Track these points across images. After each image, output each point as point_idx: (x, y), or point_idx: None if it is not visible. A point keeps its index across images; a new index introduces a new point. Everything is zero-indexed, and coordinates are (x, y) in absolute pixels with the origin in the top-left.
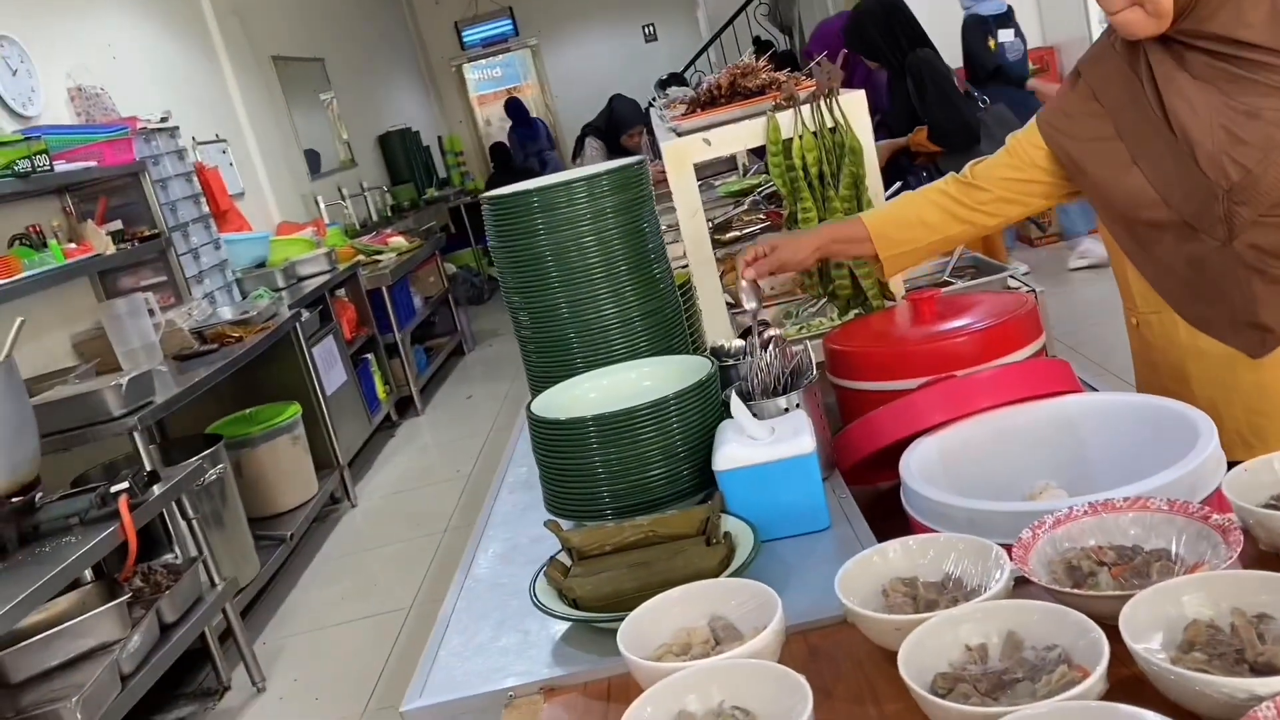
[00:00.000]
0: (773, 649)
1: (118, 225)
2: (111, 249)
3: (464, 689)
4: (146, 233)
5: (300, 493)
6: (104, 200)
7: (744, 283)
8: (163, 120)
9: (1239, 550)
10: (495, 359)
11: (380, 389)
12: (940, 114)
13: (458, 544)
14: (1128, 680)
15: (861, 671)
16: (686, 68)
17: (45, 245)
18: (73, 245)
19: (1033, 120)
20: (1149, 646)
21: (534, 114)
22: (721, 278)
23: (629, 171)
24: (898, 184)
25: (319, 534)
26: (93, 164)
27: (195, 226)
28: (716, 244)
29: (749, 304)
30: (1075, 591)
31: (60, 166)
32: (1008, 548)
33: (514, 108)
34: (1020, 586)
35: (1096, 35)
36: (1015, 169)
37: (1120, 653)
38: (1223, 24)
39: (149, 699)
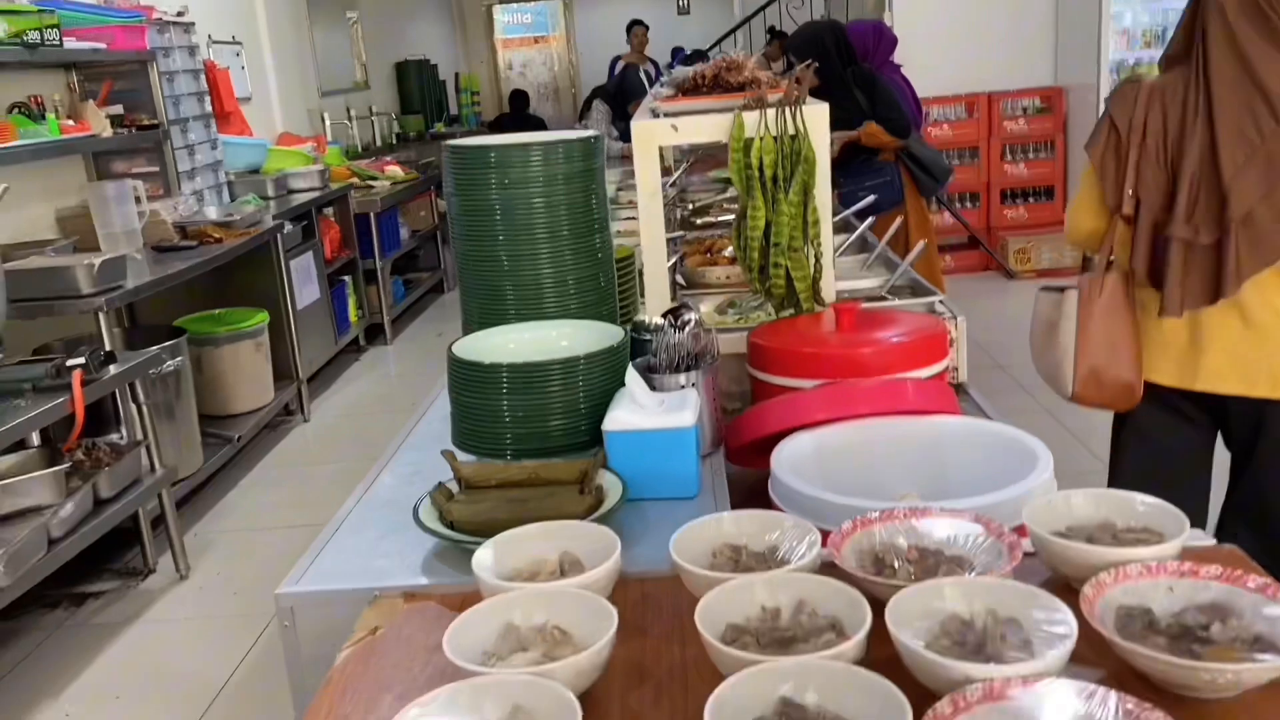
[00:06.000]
0: (603, 584)
1: (118, 110)
2: (108, 132)
3: (336, 582)
4: (146, 121)
5: (255, 399)
6: (109, 83)
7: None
8: (179, 14)
9: (1015, 564)
10: None
11: (353, 312)
12: (892, 111)
13: None
14: (888, 658)
15: (679, 618)
16: (712, 47)
17: (43, 118)
18: (71, 122)
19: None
20: (907, 631)
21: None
22: (683, 260)
23: (584, 144)
24: (871, 197)
25: (267, 441)
26: (102, 45)
27: (195, 124)
28: (690, 226)
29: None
30: (861, 575)
31: (69, 43)
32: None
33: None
34: (833, 568)
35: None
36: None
37: (887, 635)
38: None
39: (75, 569)
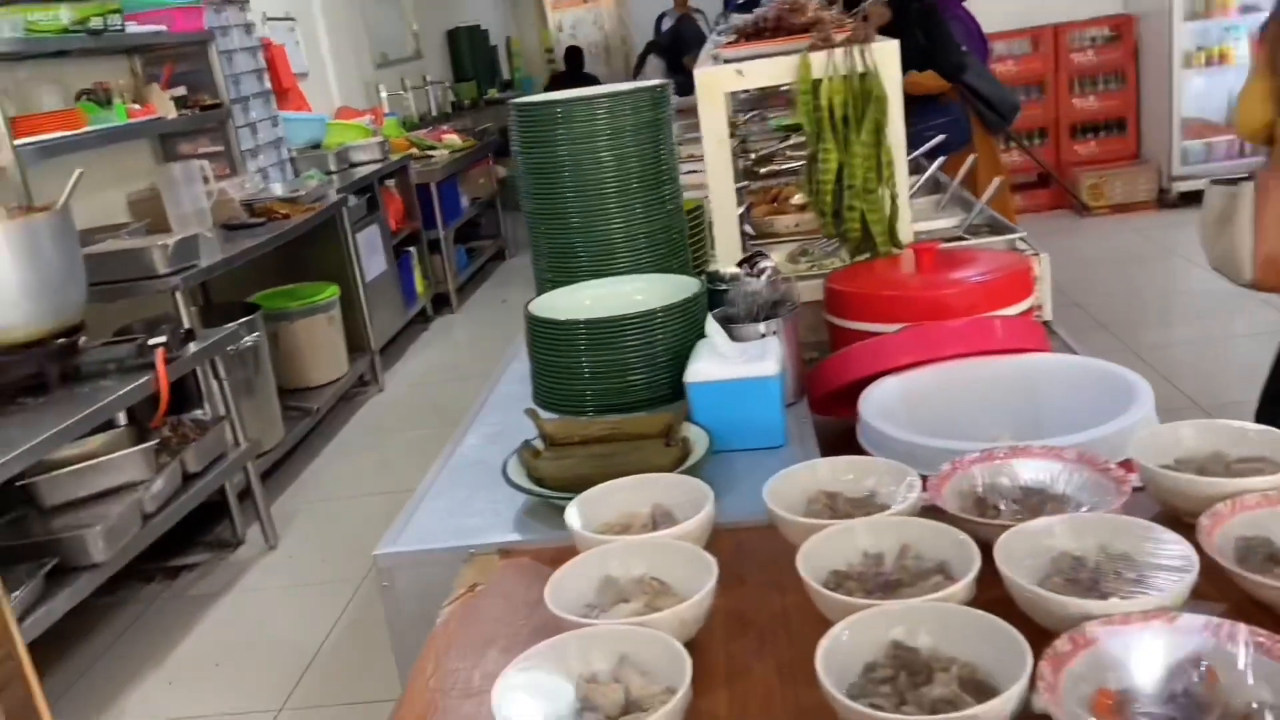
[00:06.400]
0: (698, 535)
1: (181, 91)
2: (173, 114)
3: (431, 542)
4: (208, 102)
5: (330, 371)
6: (170, 65)
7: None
8: None
9: (1124, 499)
10: None
11: (419, 282)
12: (947, 51)
13: None
14: (1003, 599)
15: (776, 567)
16: None
17: (110, 103)
18: (136, 106)
19: None
20: (1018, 570)
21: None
22: (750, 210)
23: (651, 94)
24: (940, 136)
25: (344, 413)
26: (163, 28)
27: (256, 101)
28: (754, 176)
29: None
30: (966, 517)
31: (131, 28)
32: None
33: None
34: (933, 512)
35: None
36: None
37: (996, 576)
38: None
39: (168, 542)
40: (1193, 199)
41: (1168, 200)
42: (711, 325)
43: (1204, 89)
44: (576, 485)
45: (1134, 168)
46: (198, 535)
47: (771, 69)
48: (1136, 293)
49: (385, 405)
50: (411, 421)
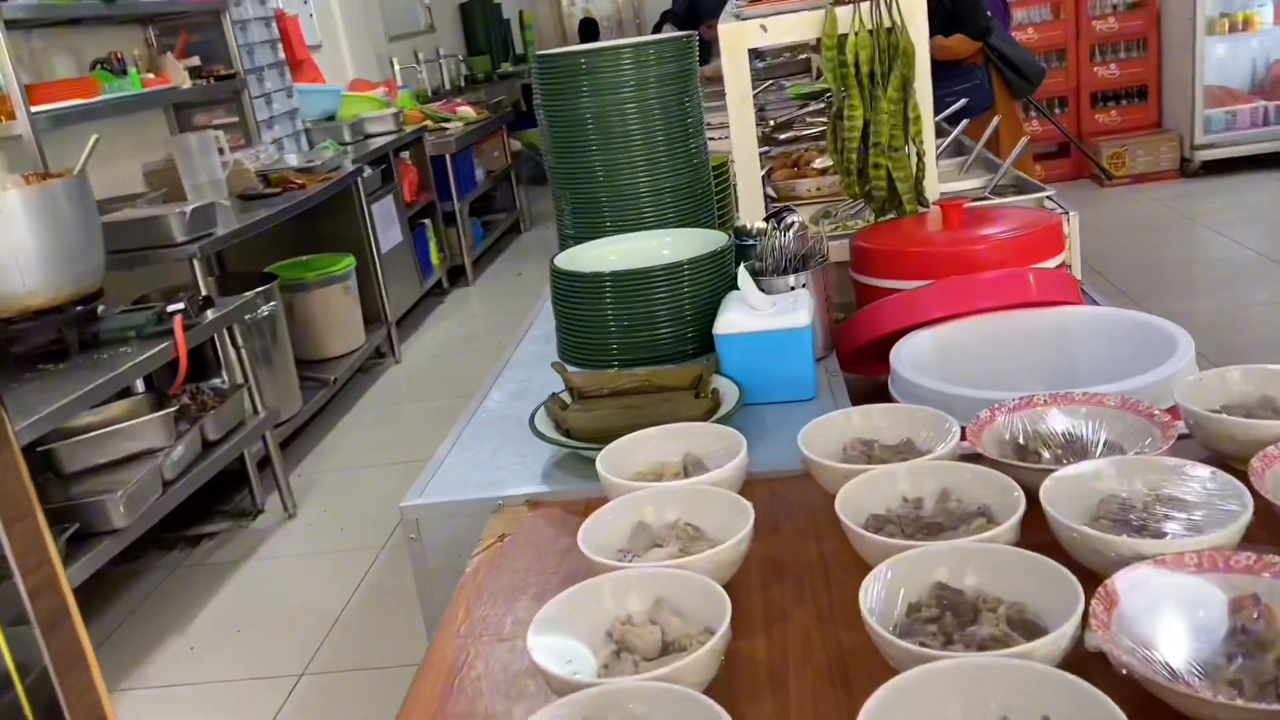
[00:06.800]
0: (732, 481)
1: (195, 62)
2: (188, 83)
3: (459, 494)
4: (222, 72)
5: (347, 341)
6: (184, 35)
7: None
8: None
9: (1171, 443)
10: (550, 240)
11: (434, 254)
12: (974, 12)
13: None
14: (1046, 544)
15: (810, 514)
16: None
17: (125, 73)
18: (151, 76)
19: None
20: (1064, 513)
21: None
22: (770, 175)
23: (676, 45)
24: (962, 100)
25: (362, 384)
26: None
27: (270, 72)
28: (773, 142)
29: None
30: (1008, 462)
31: None
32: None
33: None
34: (973, 460)
35: None
36: None
37: (1042, 521)
38: None
39: (188, 511)
40: (1215, 168)
41: (1190, 169)
42: (743, 277)
43: (1227, 56)
44: (605, 437)
45: (1156, 136)
46: (218, 504)
47: (796, 24)
48: (1158, 261)
49: (402, 376)
50: (428, 392)
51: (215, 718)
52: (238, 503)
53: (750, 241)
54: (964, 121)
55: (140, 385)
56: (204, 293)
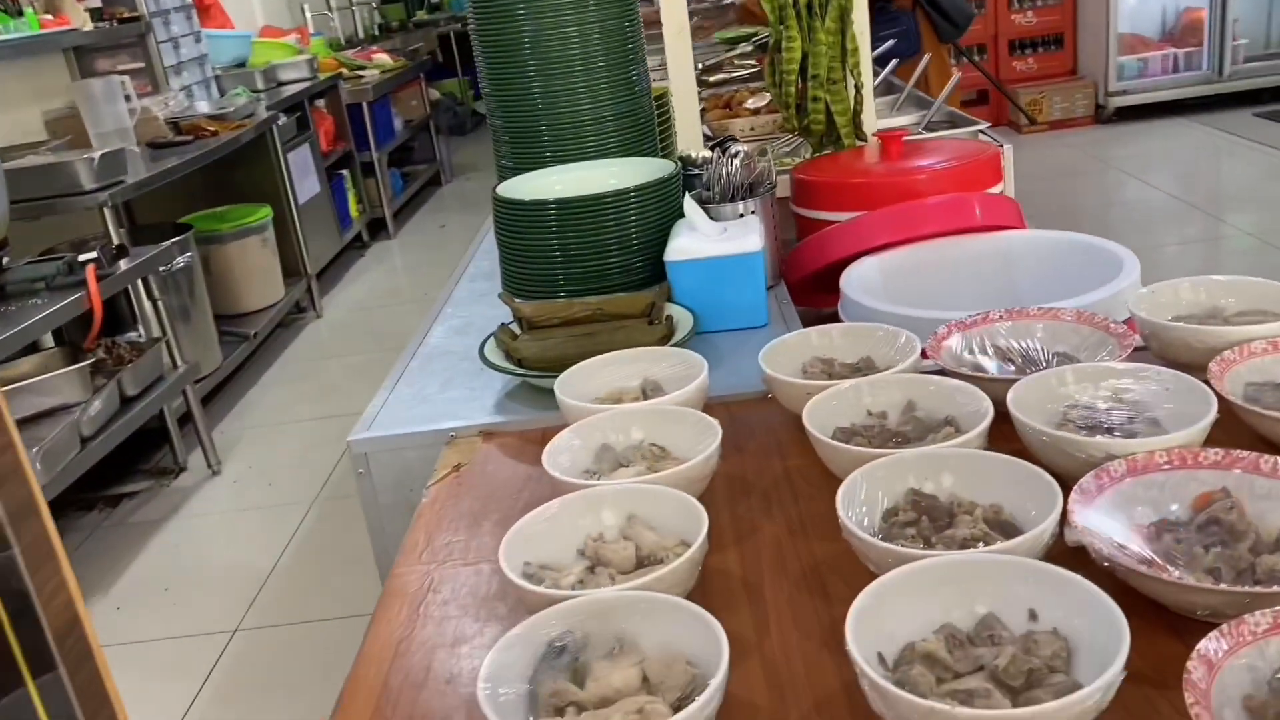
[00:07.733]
0: (694, 402)
1: (96, 3)
2: (89, 25)
3: (409, 427)
4: (126, 14)
5: (267, 295)
6: None
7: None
8: None
9: (1129, 352)
10: (473, 193)
11: (353, 206)
12: None
13: None
14: (1013, 453)
15: (773, 434)
16: None
17: (20, 13)
18: (49, 17)
19: None
20: (1030, 418)
21: None
22: (703, 114)
23: None
24: (890, 41)
25: (283, 338)
26: None
27: (177, 16)
28: (704, 85)
29: None
30: (973, 374)
31: None
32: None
33: None
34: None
35: None
36: None
37: (1010, 431)
38: None
39: (107, 470)
40: (1128, 114)
41: (1104, 115)
42: (690, 205)
43: (1140, 5)
44: (558, 365)
45: (1071, 83)
46: (138, 463)
47: None
48: (1075, 205)
49: (324, 331)
50: (352, 347)
51: (149, 675)
52: (158, 461)
53: (695, 171)
54: (893, 62)
55: (50, 340)
56: (116, 242)
